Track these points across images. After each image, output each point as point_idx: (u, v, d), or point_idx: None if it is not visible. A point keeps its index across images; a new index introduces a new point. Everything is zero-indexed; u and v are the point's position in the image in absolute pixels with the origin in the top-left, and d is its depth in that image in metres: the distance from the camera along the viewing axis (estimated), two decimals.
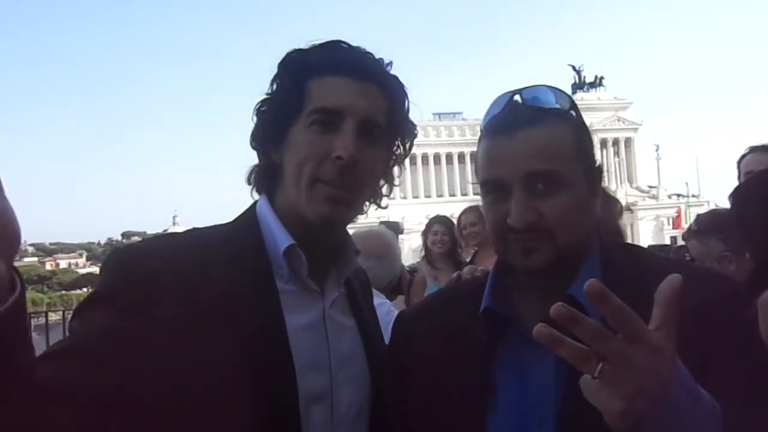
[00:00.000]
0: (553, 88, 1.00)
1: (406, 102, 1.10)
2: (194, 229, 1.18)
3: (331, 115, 1.00)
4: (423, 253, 4.59)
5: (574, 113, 0.99)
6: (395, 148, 1.12)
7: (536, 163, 0.93)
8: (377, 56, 1.07)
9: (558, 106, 0.98)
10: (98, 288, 0.99)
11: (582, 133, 1.00)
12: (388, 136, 1.08)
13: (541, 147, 0.94)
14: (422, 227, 4.74)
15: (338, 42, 1.06)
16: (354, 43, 1.07)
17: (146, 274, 0.96)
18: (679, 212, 45.61)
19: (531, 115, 0.96)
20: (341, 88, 1.01)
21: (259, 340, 0.96)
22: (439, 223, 4.53)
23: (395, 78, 1.08)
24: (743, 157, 2.91)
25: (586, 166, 0.98)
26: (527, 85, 1.00)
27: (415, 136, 1.14)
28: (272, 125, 1.05)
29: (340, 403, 1.04)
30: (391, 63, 1.08)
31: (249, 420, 0.93)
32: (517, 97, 0.99)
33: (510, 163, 0.94)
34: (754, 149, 2.93)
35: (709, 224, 1.97)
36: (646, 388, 0.65)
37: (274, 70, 1.07)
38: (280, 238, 1.03)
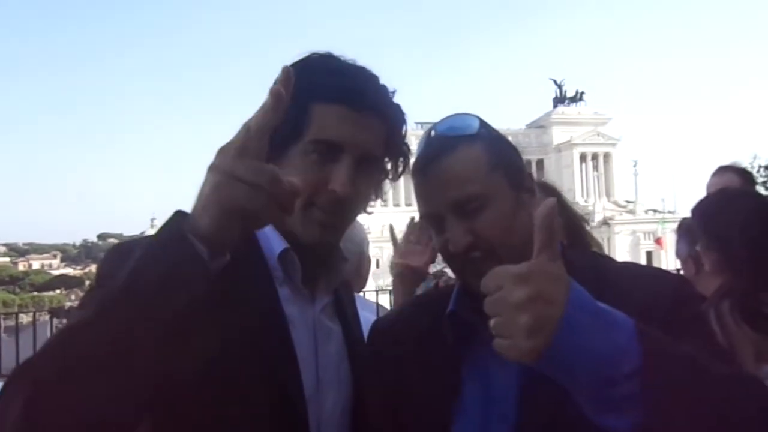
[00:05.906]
0: (463, 114, 1.06)
1: (404, 127, 1.14)
2: None
3: (330, 147, 1.03)
4: None
5: (484, 130, 1.04)
6: (388, 166, 1.15)
7: (455, 192, 0.99)
8: (381, 79, 1.09)
9: (467, 132, 1.03)
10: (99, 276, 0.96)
11: (495, 144, 1.04)
12: (383, 163, 1.13)
13: (454, 175, 1.00)
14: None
15: (343, 64, 1.07)
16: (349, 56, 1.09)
17: None
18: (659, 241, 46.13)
19: (440, 147, 1.02)
20: (343, 120, 1.03)
21: (262, 329, 1.00)
22: None
23: (397, 107, 1.11)
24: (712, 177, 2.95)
25: (506, 171, 1.02)
26: (444, 117, 1.06)
27: (409, 159, 1.15)
28: (271, 141, 1.03)
29: (325, 404, 1.07)
30: (395, 91, 1.11)
31: (258, 405, 0.96)
32: (432, 132, 1.06)
33: (433, 198, 1.01)
34: (720, 170, 2.97)
35: (687, 225, 2.03)
36: (534, 325, 0.69)
37: (267, 83, 1.06)
38: (275, 242, 1.06)
